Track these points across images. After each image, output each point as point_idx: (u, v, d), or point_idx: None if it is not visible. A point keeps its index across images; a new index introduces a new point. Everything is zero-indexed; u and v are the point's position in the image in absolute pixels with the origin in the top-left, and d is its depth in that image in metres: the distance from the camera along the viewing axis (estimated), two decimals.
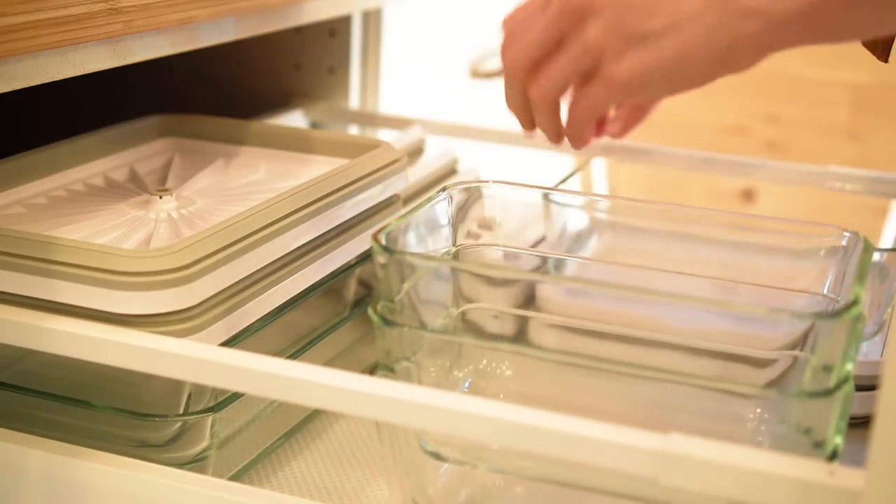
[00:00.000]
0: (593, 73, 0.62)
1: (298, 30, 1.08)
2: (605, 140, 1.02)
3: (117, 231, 0.68)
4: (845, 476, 0.45)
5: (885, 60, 0.75)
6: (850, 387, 0.51)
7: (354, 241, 0.72)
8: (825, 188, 0.95)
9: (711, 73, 0.59)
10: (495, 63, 1.37)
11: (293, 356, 0.68)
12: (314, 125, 1.09)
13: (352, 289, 0.75)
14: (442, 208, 0.67)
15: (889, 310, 0.76)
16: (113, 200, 0.73)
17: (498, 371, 0.67)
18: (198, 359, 0.55)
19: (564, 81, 0.64)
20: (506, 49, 0.66)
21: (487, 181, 0.70)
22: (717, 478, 0.46)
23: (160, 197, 0.72)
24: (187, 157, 0.83)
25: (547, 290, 0.70)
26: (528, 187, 0.72)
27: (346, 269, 0.73)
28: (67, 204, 0.73)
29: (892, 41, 0.74)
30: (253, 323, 0.64)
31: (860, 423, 0.61)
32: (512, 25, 0.65)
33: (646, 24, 0.58)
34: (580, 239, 0.87)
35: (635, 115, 0.81)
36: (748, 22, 0.56)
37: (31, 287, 0.59)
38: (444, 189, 0.67)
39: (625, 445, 0.47)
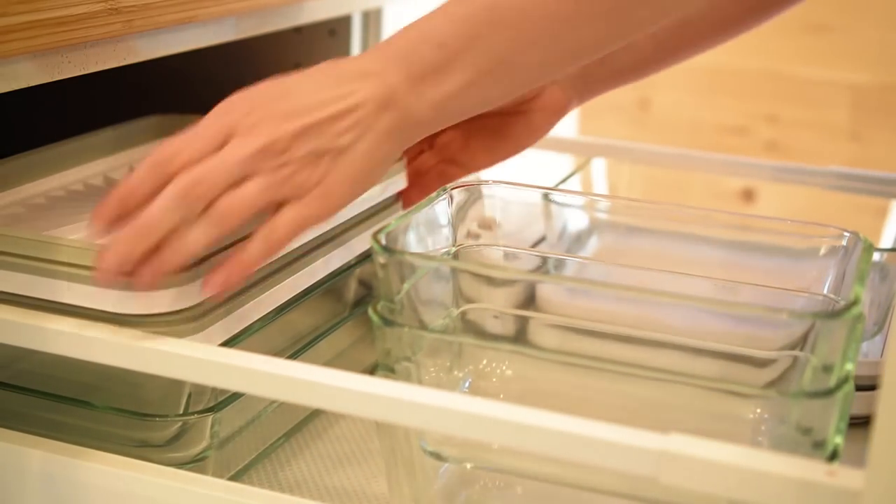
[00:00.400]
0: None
1: (298, 30, 1.08)
2: (605, 140, 1.02)
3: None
4: (845, 476, 0.45)
5: None
6: (850, 387, 0.51)
7: (354, 240, 0.72)
8: (825, 188, 0.95)
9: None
10: None
11: (293, 356, 0.68)
12: None
13: (352, 289, 0.75)
14: (442, 208, 0.67)
15: (889, 310, 0.76)
16: None
17: (498, 371, 0.67)
18: (198, 359, 0.55)
19: None
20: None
21: (487, 181, 0.70)
22: (716, 477, 0.46)
23: None
24: None
25: (547, 290, 0.70)
26: (528, 187, 0.72)
27: (346, 269, 0.73)
28: (67, 204, 0.73)
29: None
30: (253, 323, 0.64)
31: (860, 424, 0.61)
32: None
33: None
34: (580, 239, 0.87)
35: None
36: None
37: (31, 287, 0.59)
38: (444, 189, 0.67)
39: (625, 445, 0.47)
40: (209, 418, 0.61)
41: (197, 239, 0.55)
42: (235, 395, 0.62)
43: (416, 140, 0.61)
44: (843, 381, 0.51)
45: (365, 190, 0.60)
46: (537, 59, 0.60)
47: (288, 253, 0.66)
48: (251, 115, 0.57)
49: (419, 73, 0.58)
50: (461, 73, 0.59)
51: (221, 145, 0.56)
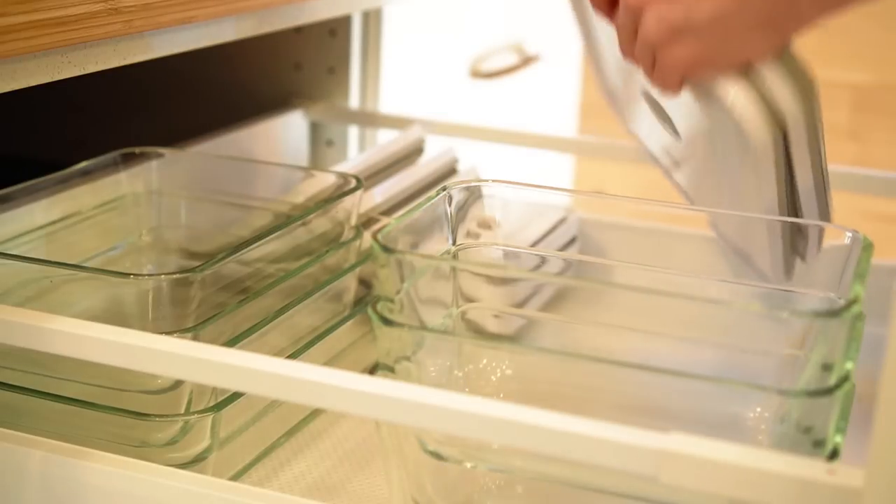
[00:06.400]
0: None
1: (298, 30, 1.08)
2: (605, 140, 1.02)
3: None
4: (845, 475, 0.45)
5: None
6: (850, 385, 0.51)
7: None
8: None
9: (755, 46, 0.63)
10: (495, 63, 1.37)
11: (293, 356, 0.68)
12: (314, 125, 1.09)
13: (352, 289, 0.75)
14: (442, 208, 0.67)
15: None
16: None
17: (498, 371, 0.67)
18: (198, 359, 0.55)
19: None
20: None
21: (487, 181, 0.70)
22: (716, 476, 0.46)
23: None
24: None
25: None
26: (528, 187, 0.72)
27: (347, 269, 0.73)
28: None
29: None
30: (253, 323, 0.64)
31: None
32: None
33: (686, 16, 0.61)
34: (579, 239, 0.87)
35: None
36: None
37: None
38: (444, 189, 0.67)
39: (625, 444, 0.47)
40: (209, 418, 0.61)
41: None
42: (235, 395, 0.62)
43: None
44: (844, 379, 0.51)
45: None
46: None
47: None
48: None
49: None
50: None
51: None
